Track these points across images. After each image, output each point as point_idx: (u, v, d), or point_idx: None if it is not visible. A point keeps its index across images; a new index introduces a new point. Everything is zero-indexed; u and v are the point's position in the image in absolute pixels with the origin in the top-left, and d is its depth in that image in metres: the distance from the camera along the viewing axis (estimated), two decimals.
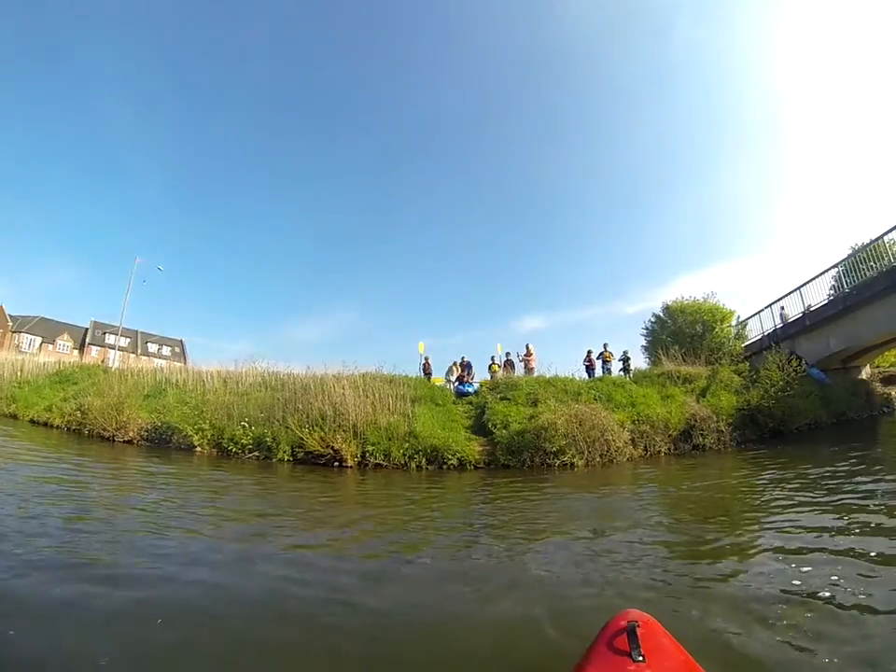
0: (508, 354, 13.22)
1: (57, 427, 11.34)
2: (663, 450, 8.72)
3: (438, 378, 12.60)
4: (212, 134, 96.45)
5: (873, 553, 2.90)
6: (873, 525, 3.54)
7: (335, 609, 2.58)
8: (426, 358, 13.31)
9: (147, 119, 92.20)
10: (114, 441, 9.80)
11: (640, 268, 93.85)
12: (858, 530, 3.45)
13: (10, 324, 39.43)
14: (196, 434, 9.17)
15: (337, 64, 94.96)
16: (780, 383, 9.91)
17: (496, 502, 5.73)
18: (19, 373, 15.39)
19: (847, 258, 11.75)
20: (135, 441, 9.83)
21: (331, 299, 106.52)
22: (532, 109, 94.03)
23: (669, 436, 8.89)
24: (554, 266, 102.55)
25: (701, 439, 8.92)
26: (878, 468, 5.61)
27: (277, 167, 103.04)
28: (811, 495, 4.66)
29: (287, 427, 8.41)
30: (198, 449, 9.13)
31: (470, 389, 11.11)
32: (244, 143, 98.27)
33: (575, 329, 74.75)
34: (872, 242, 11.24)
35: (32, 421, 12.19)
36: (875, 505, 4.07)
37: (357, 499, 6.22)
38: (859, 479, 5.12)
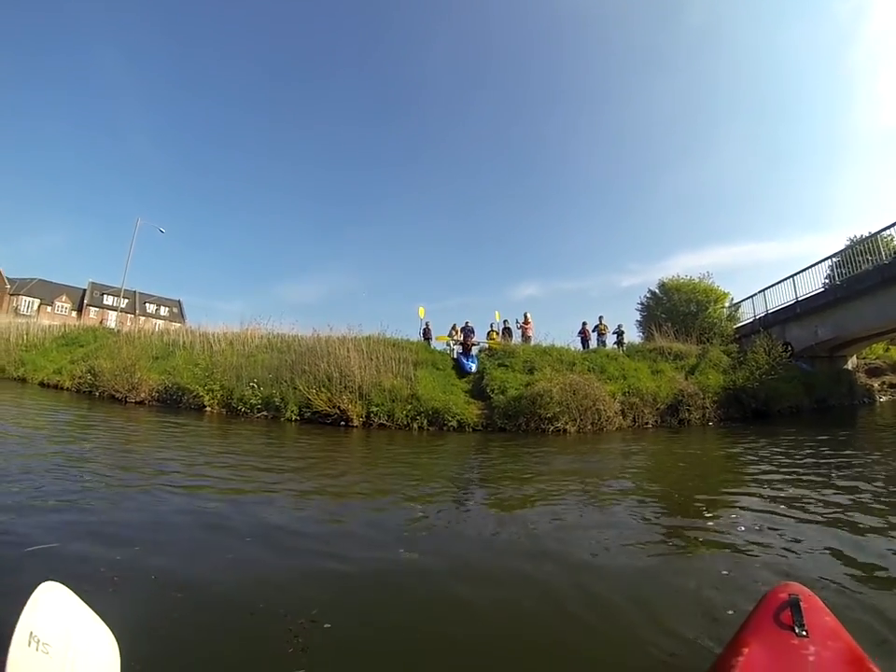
0: (506, 321, 13.55)
1: (67, 388, 11.58)
2: (650, 422, 9.12)
3: (441, 336, 12.80)
4: (205, 88, 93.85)
5: (805, 499, 3.79)
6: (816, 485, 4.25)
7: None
8: (426, 323, 13.46)
9: (138, 72, 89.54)
10: (126, 401, 10.03)
11: (638, 243, 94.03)
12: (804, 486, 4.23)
13: (8, 286, 39.27)
14: (206, 394, 9.52)
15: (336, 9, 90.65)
16: (766, 366, 10.35)
17: (492, 457, 6.26)
18: (25, 336, 15.65)
19: (843, 249, 11.97)
20: (147, 402, 10.04)
21: (325, 258, 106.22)
22: (536, 72, 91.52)
23: (657, 409, 9.27)
24: (552, 234, 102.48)
25: (687, 414, 9.34)
26: (842, 449, 6.16)
27: (273, 115, 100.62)
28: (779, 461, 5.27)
29: (295, 388, 8.74)
30: (208, 409, 9.46)
31: (473, 367, 10.98)
32: (236, 98, 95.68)
33: (570, 299, 75.20)
34: (870, 236, 11.43)
35: (41, 384, 12.41)
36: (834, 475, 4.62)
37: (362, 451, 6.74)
38: (820, 452, 5.75)
